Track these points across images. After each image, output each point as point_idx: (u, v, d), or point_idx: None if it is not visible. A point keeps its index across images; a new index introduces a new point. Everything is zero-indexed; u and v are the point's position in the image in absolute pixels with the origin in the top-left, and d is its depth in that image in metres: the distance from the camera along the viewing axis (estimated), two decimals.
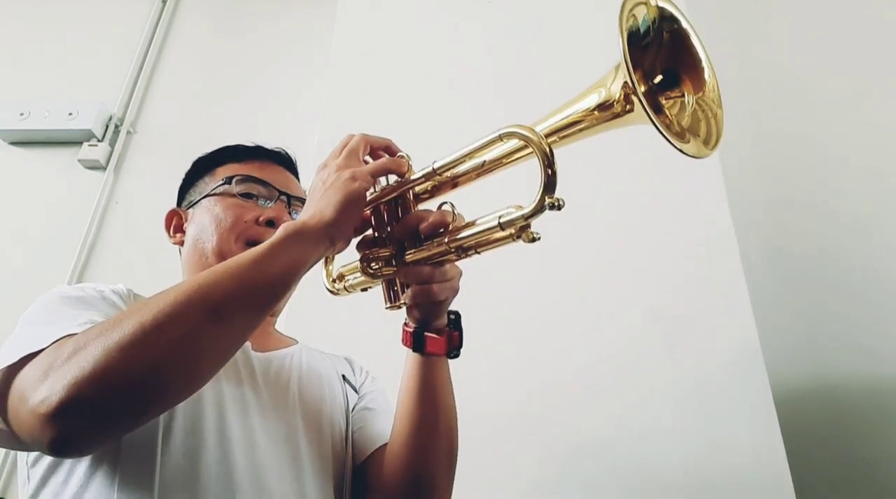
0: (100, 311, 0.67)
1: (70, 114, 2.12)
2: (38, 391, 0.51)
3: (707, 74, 0.60)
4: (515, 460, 1.27)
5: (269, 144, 0.99)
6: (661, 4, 0.60)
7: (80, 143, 2.12)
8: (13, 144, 2.20)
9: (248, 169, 0.92)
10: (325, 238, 0.64)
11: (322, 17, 2.20)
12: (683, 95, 0.60)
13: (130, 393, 0.52)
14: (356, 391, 0.92)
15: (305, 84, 2.19)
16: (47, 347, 0.56)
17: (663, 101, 0.59)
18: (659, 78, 0.60)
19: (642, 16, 0.58)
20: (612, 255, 1.44)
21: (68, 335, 0.57)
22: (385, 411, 0.88)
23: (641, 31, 0.58)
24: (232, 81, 2.29)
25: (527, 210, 0.57)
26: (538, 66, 1.76)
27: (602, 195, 1.50)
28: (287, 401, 0.80)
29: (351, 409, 0.89)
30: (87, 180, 2.11)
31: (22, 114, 2.13)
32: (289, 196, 0.91)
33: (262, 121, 2.14)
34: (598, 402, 1.32)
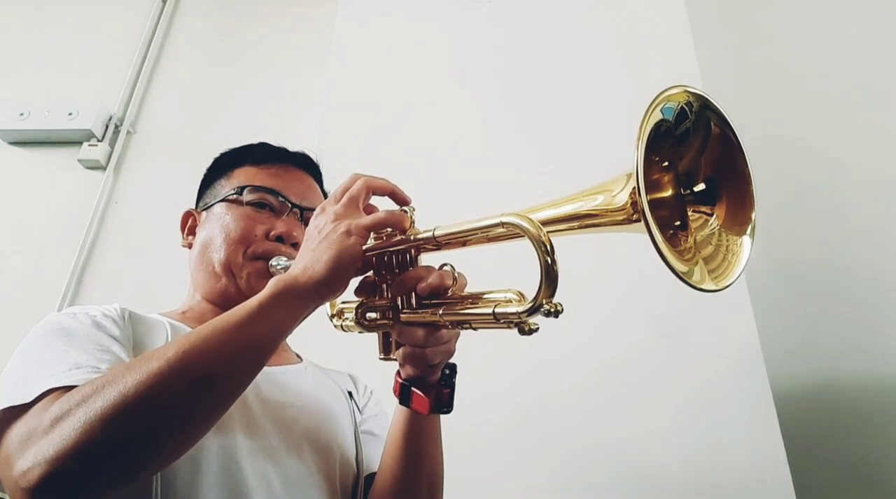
0: (91, 342, 0.66)
1: (70, 114, 2.12)
2: (22, 460, 0.51)
3: (751, 220, 0.52)
4: (517, 461, 1.27)
5: (282, 144, 0.96)
6: (696, 92, 0.50)
7: (80, 143, 2.13)
8: (13, 143, 2.20)
9: (264, 175, 0.90)
10: (315, 296, 0.62)
11: (322, 16, 2.19)
12: (712, 215, 0.54)
13: (113, 464, 0.51)
14: (360, 411, 0.91)
15: (306, 84, 2.18)
16: (32, 403, 0.55)
17: (690, 214, 0.52)
18: (700, 187, 0.53)
19: (669, 105, 0.50)
20: (613, 258, 1.44)
21: (53, 390, 0.56)
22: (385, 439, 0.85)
23: (671, 118, 0.50)
24: (232, 81, 2.29)
25: (522, 308, 0.55)
26: (538, 63, 1.76)
27: None
28: (293, 427, 0.78)
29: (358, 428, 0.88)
30: (87, 180, 2.11)
31: (22, 114, 2.14)
32: (301, 208, 0.89)
33: (262, 121, 2.14)
34: (599, 404, 1.32)
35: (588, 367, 1.35)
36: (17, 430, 0.54)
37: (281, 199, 0.88)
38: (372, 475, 0.83)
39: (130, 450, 0.51)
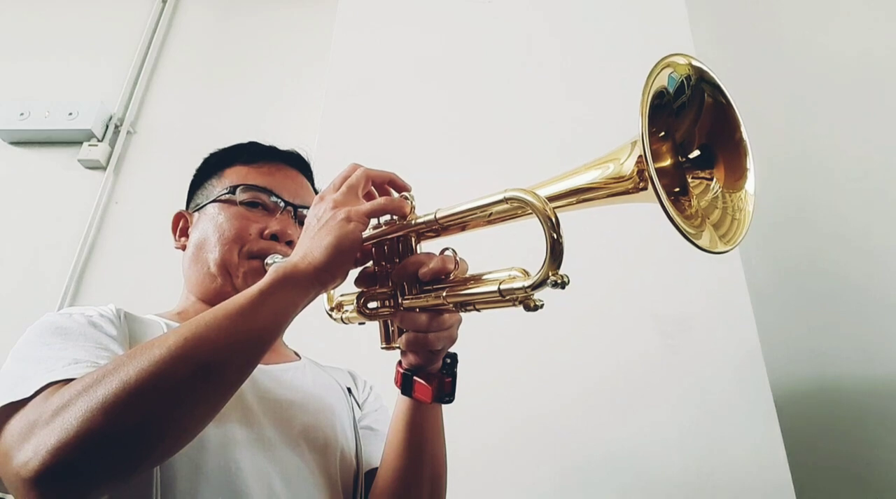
0: (89, 341, 0.65)
1: (70, 114, 2.11)
2: (22, 452, 0.50)
3: (748, 168, 0.53)
4: (516, 462, 1.27)
5: (281, 143, 0.96)
6: (697, 65, 0.50)
7: (80, 143, 2.13)
8: (13, 143, 2.20)
9: (256, 174, 0.90)
10: (316, 283, 0.61)
11: (322, 16, 2.20)
12: (712, 179, 0.54)
13: (115, 455, 0.51)
14: (360, 407, 0.91)
15: (306, 84, 2.18)
16: (31, 397, 0.55)
17: (690, 181, 0.53)
18: (696, 153, 0.53)
19: (673, 74, 0.51)
20: (615, 261, 1.44)
21: (53, 383, 0.55)
22: (385, 434, 0.84)
23: (672, 89, 0.51)
24: (232, 81, 2.29)
25: (528, 282, 0.54)
26: (537, 63, 1.76)
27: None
28: (292, 424, 0.77)
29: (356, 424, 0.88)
30: (87, 180, 2.11)
31: (22, 114, 2.13)
32: (295, 206, 0.89)
33: (262, 121, 2.14)
34: (599, 403, 1.32)
35: (589, 367, 1.35)
36: (17, 423, 0.54)
37: (274, 198, 0.88)
38: (372, 472, 0.83)
39: (132, 439, 0.51)
